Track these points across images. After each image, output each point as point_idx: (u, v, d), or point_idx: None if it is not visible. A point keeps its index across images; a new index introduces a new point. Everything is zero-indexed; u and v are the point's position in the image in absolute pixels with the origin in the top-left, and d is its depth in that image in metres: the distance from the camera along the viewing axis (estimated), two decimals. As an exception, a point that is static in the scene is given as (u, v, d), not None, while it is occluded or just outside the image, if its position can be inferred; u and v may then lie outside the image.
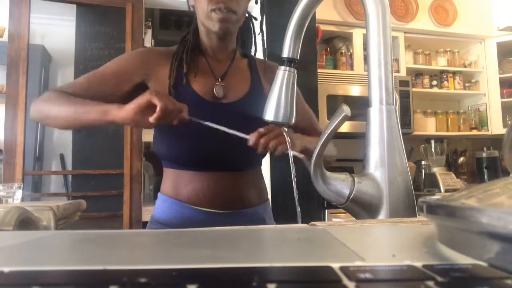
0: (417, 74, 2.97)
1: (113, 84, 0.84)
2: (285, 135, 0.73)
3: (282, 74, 0.61)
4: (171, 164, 0.88)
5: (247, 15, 0.94)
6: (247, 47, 1.01)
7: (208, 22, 0.86)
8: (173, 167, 0.88)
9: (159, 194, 0.91)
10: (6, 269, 0.15)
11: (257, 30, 0.98)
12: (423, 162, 2.83)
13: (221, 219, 0.84)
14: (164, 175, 0.91)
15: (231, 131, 0.75)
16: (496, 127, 2.92)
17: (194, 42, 0.91)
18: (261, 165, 0.96)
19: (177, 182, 0.87)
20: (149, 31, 2.71)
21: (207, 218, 0.84)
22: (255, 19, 0.98)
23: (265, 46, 0.99)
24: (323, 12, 2.55)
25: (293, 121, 0.63)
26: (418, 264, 0.15)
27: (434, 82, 2.98)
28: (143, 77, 0.87)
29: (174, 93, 0.85)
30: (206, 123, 0.76)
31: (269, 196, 1.00)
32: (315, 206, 2.14)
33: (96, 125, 0.75)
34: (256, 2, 0.97)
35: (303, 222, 0.42)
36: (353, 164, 2.71)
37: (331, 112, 2.44)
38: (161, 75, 0.87)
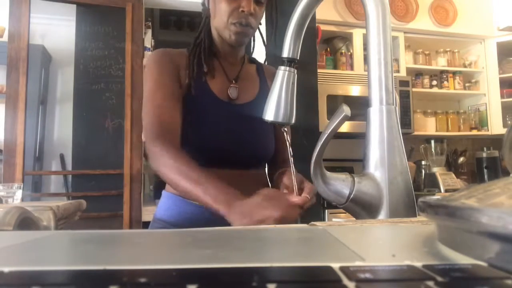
0: (417, 74, 2.97)
1: (176, 86, 0.87)
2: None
3: (282, 74, 0.61)
4: None
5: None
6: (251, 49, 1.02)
7: (224, 31, 0.88)
8: None
9: (163, 192, 0.93)
10: (6, 269, 0.15)
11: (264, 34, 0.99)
12: (423, 162, 2.83)
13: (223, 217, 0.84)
14: None
15: None
16: (496, 127, 2.91)
17: (209, 45, 0.93)
18: (265, 167, 0.97)
19: None
20: (149, 31, 2.71)
21: (210, 215, 0.84)
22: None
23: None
24: (323, 12, 2.55)
25: (293, 121, 0.63)
26: (418, 264, 0.15)
27: (434, 82, 2.98)
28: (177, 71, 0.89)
29: (194, 91, 0.87)
30: None
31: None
32: (315, 206, 2.14)
33: None
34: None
35: (303, 222, 0.42)
36: (353, 164, 2.71)
37: (331, 112, 2.44)
38: (182, 73, 0.90)
